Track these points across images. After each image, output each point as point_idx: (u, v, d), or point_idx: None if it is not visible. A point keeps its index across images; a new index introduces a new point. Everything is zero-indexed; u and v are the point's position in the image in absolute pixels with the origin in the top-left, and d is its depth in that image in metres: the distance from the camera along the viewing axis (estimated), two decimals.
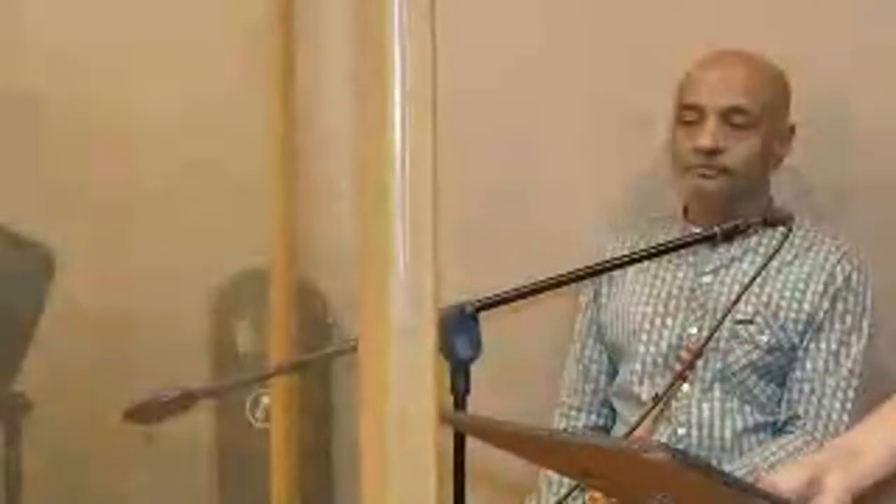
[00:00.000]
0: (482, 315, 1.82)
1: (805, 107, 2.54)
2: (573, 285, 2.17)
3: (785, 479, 1.53)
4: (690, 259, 2.53)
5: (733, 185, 2.45)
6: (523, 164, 2.95)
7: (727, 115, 2.45)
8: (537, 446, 1.59)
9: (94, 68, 3.20)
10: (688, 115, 2.48)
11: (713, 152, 2.44)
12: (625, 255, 2.22)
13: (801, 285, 2.46)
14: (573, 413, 2.62)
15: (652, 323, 2.52)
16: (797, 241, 2.48)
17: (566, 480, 2.53)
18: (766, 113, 2.46)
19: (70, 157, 3.26)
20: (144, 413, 2.13)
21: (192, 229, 3.18)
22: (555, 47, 2.91)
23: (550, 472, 2.58)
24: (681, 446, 2.44)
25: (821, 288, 2.45)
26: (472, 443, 1.74)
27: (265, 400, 3.03)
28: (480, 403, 1.78)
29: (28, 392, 3.15)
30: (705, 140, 2.44)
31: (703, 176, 2.46)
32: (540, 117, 2.94)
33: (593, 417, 2.61)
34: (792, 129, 2.53)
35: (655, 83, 2.62)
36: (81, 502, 3.26)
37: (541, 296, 1.96)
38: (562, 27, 2.91)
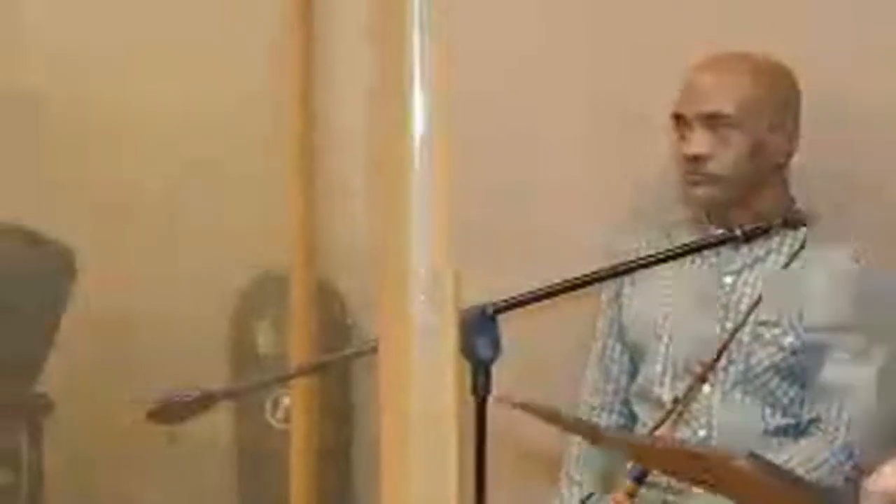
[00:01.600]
0: (503, 315, 1.82)
1: (805, 107, 2.53)
2: (594, 286, 2.16)
3: (883, 477, 1.52)
4: (713, 260, 2.52)
5: (722, 190, 2.45)
6: (527, 164, 2.95)
7: (709, 122, 2.45)
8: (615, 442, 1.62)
9: (100, 68, 3.21)
10: (678, 124, 2.50)
11: (699, 160, 2.45)
12: (648, 256, 2.21)
13: (825, 286, 2.44)
14: (595, 412, 2.61)
15: (673, 324, 2.51)
16: (821, 241, 2.47)
17: (588, 481, 2.52)
18: (751, 112, 2.44)
19: (87, 158, 3.26)
20: (166, 413, 2.13)
21: (212, 231, 3.19)
22: (557, 47, 2.90)
23: (572, 472, 2.57)
24: None
25: (844, 288, 2.44)
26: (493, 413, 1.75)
27: (285, 401, 3.03)
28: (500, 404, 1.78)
29: (49, 393, 3.16)
30: (690, 148, 2.45)
31: (693, 183, 2.47)
32: (542, 117, 2.94)
33: (615, 416, 2.61)
34: (797, 126, 2.51)
35: (657, 83, 2.62)
36: (102, 502, 3.27)
37: (566, 295, 1.96)
38: (563, 27, 2.91)
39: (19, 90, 3.26)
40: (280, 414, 3.09)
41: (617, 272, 2.16)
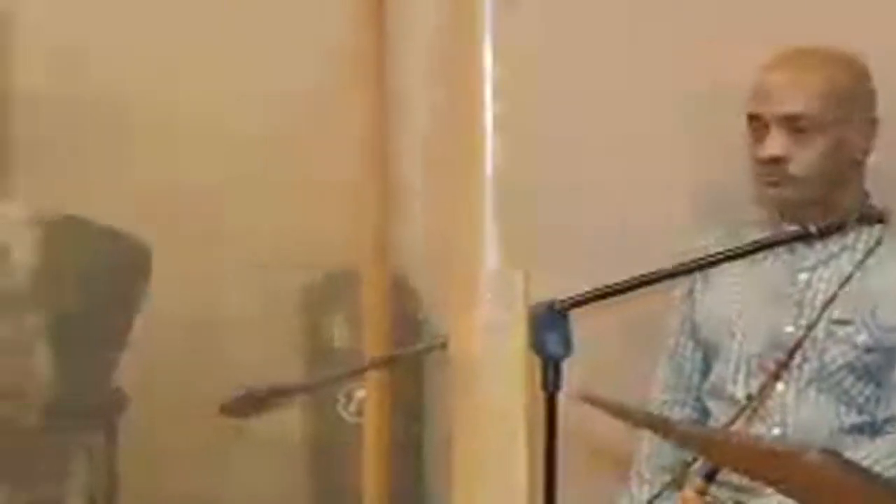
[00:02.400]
0: (574, 313, 1.83)
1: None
2: (665, 283, 2.16)
3: None
4: (785, 257, 2.50)
5: (799, 191, 2.43)
6: (595, 164, 2.95)
7: (788, 123, 2.42)
8: (686, 436, 1.64)
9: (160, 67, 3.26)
10: (752, 124, 2.47)
11: (777, 161, 2.42)
12: (719, 252, 2.20)
13: None
14: (666, 406, 2.61)
15: (746, 321, 2.49)
16: (893, 238, 2.44)
17: (658, 479, 2.52)
18: (829, 110, 2.42)
19: (157, 156, 3.30)
20: (240, 408, 2.16)
21: (287, 226, 3.22)
22: (627, 47, 2.90)
23: (643, 470, 2.57)
24: None
25: None
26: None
27: (359, 394, 3.05)
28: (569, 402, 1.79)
29: (124, 389, 3.19)
30: (766, 151, 2.43)
31: (770, 184, 2.45)
32: (610, 117, 2.94)
33: (687, 410, 2.60)
34: (874, 120, 2.48)
35: (727, 82, 2.61)
36: (175, 499, 3.30)
37: (632, 294, 1.96)
38: (633, 25, 2.91)
39: (78, 90, 3.31)
40: (353, 408, 3.11)
41: (687, 269, 2.15)
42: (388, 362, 2.49)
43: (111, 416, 3.16)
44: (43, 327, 3.10)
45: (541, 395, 1.78)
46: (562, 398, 1.79)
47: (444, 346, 1.10)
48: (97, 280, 3.16)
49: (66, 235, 3.18)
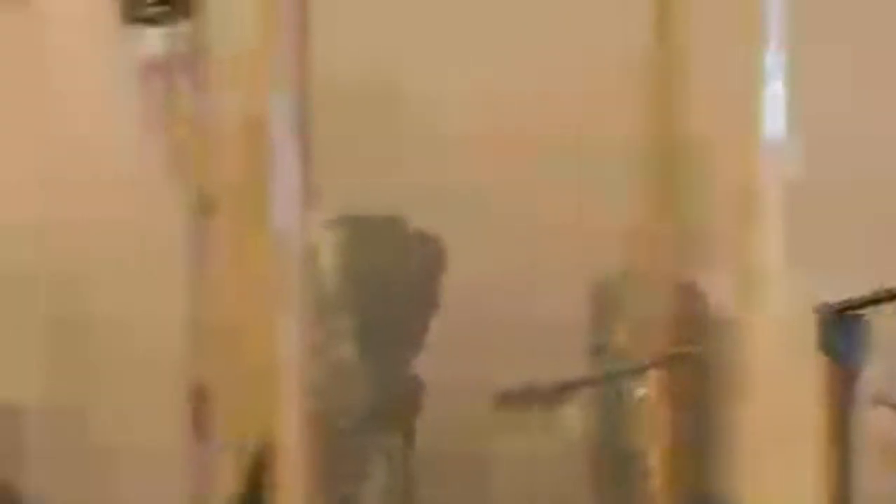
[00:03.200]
0: (873, 316, 1.78)
1: None
2: None
3: None
4: None
5: None
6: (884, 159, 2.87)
7: None
8: None
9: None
10: None
11: None
12: None
13: None
14: None
15: None
16: None
17: None
18: None
19: (456, 155, 3.35)
20: (519, 401, 2.19)
21: (573, 225, 3.22)
22: None
23: None
24: None
25: None
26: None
27: (639, 392, 3.04)
28: None
29: (421, 391, 3.22)
30: None
31: None
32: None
33: None
34: None
35: None
36: (464, 498, 3.34)
37: None
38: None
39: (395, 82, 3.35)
40: (636, 405, 3.10)
41: None
42: (669, 361, 2.49)
43: (409, 418, 3.17)
44: (349, 330, 3.15)
45: (829, 396, 1.75)
46: (854, 401, 1.75)
47: (730, 346, 1.10)
48: (401, 281, 3.19)
49: (371, 237, 3.22)
